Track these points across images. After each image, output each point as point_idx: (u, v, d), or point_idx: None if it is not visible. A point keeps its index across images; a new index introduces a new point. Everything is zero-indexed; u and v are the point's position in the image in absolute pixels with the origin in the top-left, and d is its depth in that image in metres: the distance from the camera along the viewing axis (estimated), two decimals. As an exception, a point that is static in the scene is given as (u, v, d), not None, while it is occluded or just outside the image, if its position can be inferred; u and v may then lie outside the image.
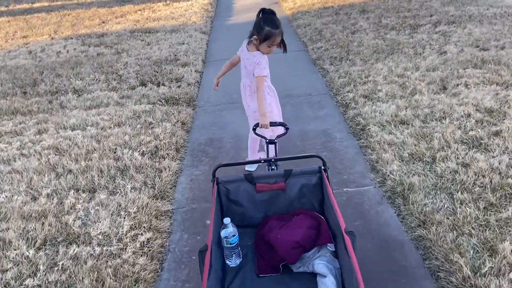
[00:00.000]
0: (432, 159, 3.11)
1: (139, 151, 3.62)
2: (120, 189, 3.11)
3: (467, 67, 4.67)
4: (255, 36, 2.69)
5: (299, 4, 8.80)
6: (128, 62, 6.16)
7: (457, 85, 4.26)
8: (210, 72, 5.84)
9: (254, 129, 2.70)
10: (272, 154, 2.67)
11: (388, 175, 3.01)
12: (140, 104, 4.62)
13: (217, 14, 9.50)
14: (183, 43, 7.04)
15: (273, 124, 2.69)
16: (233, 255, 2.05)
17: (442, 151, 3.18)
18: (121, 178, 3.25)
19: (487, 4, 7.18)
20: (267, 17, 2.67)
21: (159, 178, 3.23)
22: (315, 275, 1.96)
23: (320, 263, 1.96)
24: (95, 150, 3.66)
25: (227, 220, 2.01)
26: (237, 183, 2.22)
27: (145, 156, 3.53)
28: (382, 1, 8.12)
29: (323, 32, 6.71)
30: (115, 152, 3.62)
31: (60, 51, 7.01)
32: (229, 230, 2.00)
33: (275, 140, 2.63)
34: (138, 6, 10.10)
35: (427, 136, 3.40)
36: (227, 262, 2.07)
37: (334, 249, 2.04)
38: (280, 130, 2.73)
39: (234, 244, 2.02)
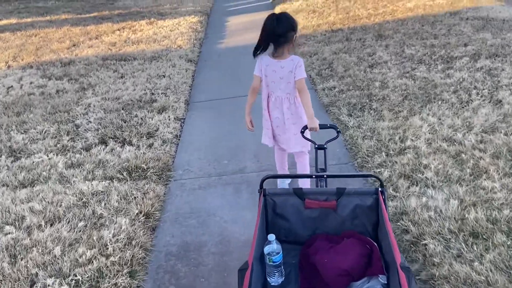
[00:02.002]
0: (548, 328, 1.87)
1: (71, 280, 2.34)
2: None
3: (539, 128, 3.46)
4: (296, 35, 2.60)
5: (302, 25, 7.60)
6: (91, 105, 4.89)
7: (536, 160, 3.03)
8: (193, 119, 4.58)
9: (302, 132, 2.58)
10: (321, 161, 2.42)
11: None
12: (92, 180, 3.34)
13: (207, 35, 8.28)
14: (164, 76, 5.79)
15: (322, 126, 2.58)
16: (276, 273, 1.94)
17: (561, 308, 1.93)
18: None
19: (529, 30, 6.01)
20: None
21: None
22: None
23: (370, 295, 1.78)
24: (1, 281, 2.38)
25: (271, 237, 1.90)
26: (285, 196, 2.12)
27: (78, 294, 2.26)
28: (400, 24, 6.93)
29: (334, 64, 5.49)
30: (32, 285, 2.34)
31: (12, 86, 5.72)
32: (273, 247, 1.89)
33: (325, 146, 2.44)
34: (118, 25, 8.84)
35: (524, 270, 2.15)
36: (269, 280, 1.96)
37: (386, 282, 1.83)
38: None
39: (277, 263, 1.91)
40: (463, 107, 3.94)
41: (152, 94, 5.17)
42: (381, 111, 4.06)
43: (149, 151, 3.79)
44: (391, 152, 3.37)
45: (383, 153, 3.36)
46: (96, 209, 2.96)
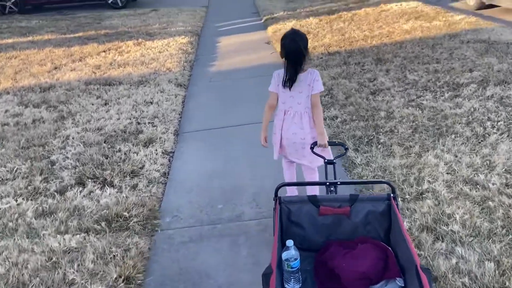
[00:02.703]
0: None
1: None
2: None
3: None
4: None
5: (297, 47, 7.29)
6: (70, 137, 4.44)
7: None
8: (183, 153, 4.16)
9: (312, 148, 2.61)
10: (330, 175, 2.42)
11: None
12: (65, 233, 2.87)
13: (198, 57, 7.92)
14: (152, 102, 5.38)
15: (331, 143, 2.72)
16: (292, 279, 1.92)
17: None
18: None
19: (535, 54, 5.77)
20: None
21: None
22: None
23: (388, 298, 1.81)
24: None
25: (290, 243, 1.89)
26: (300, 204, 2.15)
27: None
28: (399, 47, 6.67)
29: (334, 90, 5.15)
30: None
31: (-16, 115, 5.26)
32: (291, 253, 1.89)
33: (334, 161, 2.48)
34: (103, 46, 8.42)
35: None
36: (286, 286, 1.94)
37: (403, 285, 1.83)
38: None
39: (295, 268, 1.90)
40: (479, 142, 3.60)
41: (138, 123, 4.75)
42: (390, 146, 3.70)
43: (132, 194, 3.35)
44: (407, 196, 2.99)
45: (399, 198, 2.98)
46: (67, 273, 2.50)
